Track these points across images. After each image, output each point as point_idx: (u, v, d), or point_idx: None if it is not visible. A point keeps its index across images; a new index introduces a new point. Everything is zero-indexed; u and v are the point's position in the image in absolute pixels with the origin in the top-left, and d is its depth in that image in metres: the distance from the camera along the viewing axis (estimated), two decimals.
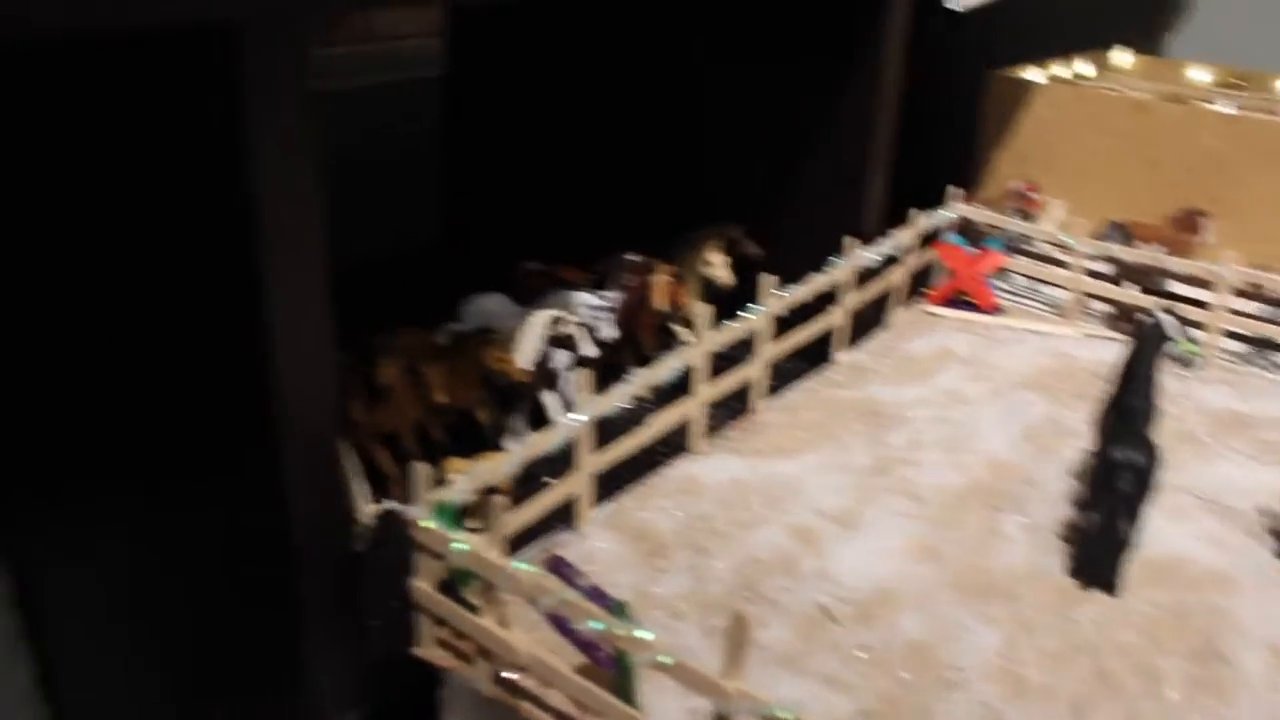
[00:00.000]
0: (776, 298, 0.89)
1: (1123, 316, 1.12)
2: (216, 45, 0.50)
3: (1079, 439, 0.88)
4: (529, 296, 0.95)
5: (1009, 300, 1.17)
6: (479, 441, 0.85)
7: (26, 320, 0.74)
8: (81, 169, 0.63)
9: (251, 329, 0.56)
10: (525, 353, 0.82)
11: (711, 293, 1.00)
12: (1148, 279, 1.11)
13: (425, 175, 1.34)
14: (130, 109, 0.58)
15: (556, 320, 0.82)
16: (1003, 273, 1.17)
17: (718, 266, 0.99)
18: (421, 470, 0.63)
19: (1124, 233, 1.17)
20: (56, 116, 0.63)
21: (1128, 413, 0.75)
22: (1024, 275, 1.17)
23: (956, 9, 1.00)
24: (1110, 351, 0.99)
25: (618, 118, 1.19)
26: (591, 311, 0.86)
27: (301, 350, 0.58)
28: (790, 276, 0.92)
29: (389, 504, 0.77)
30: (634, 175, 1.18)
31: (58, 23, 0.43)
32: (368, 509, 0.77)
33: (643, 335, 0.98)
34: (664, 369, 0.80)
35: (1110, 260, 1.12)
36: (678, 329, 1.02)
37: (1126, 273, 1.12)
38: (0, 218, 0.70)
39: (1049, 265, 1.15)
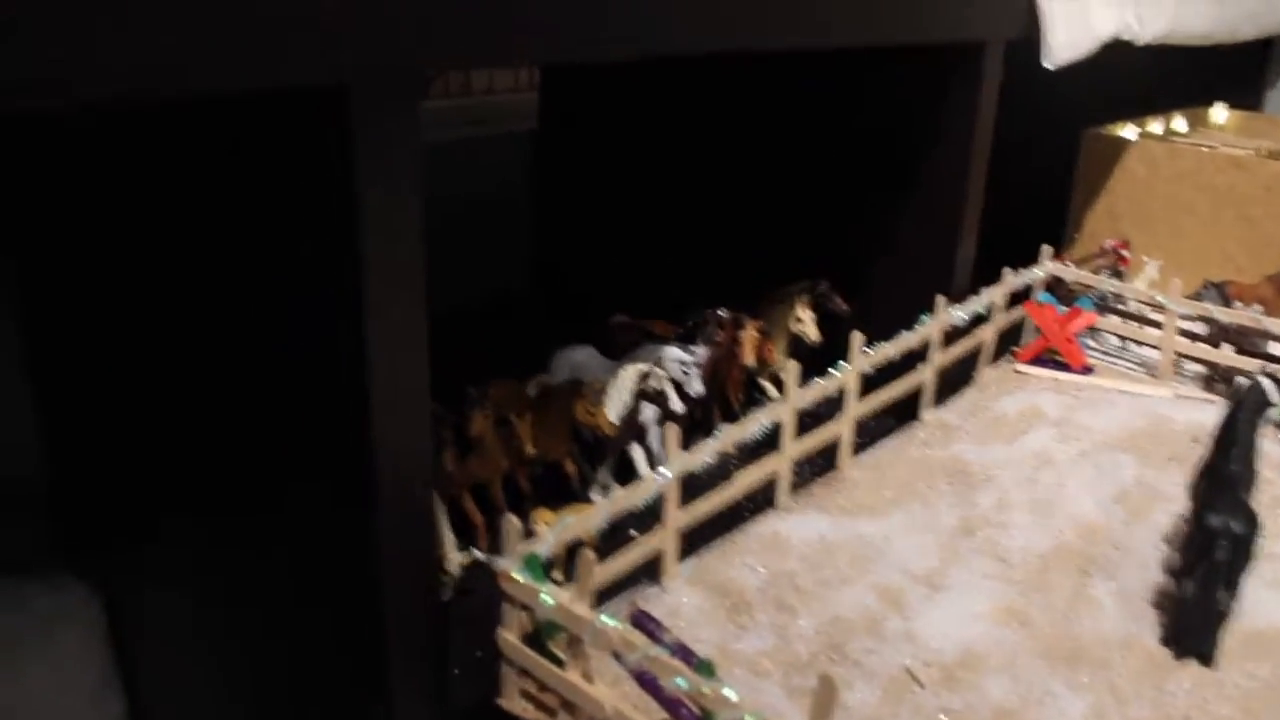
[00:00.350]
0: (865, 355, 0.89)
1: (1219, 378, 1.10)
2: (327, 105, 0.52)
3: (1173, 504, 0.86)
4: (618, 349, 0.96)
5: (1100, 360, 1.16)
6: (566, 493, 0.86)
7: (134, 358, 0.77)
8: (196, 219, 0.66)
9: (351, 377, 0.58)
10: (614, 406, 0.83)
11: (799, 348, 1.01)
12: (1245, 340, 1.09)
13: (517, 227, 1.37)
14: (245, 163, 0.60)
15: (646, 375, 0.83)
16: (1094, 332, 1.16)
17: (806, 323, 0.99)
18: (512, 522, 0.64)
19: (1220, 292, 1.15)
20: (174, 170, 0.66)
21: (1225, 478, 0.74)
22: (1116, 335, 1.16)
23: (1050, 66, 1.00)
24: (1205, 414, 0.97)
25: (709, 172, 1.20)
26: (680, 366, 0.86)
27: (399, 399, 0.59)
28: (879, 333, 0.93)
29: (477, 554, 0.78)
30: (724, 229, 1.19)
31: (177, 85, 0.45)
32: (456, 558, 0.78)
33: (730, 390, 0.99)
34: (752, 425, 0.81)
35: (1206, 320, 1.10)
36: (765, 384, 1.02)
37: (1223, 333, 1.10)
38: (116, 262, 0.73)
39: (1142, 325, 1.14)
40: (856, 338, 0.89)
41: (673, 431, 0.74)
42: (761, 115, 1.14)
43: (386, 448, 0.60)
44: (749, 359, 0.96)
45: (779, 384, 1.05)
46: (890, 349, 0.93)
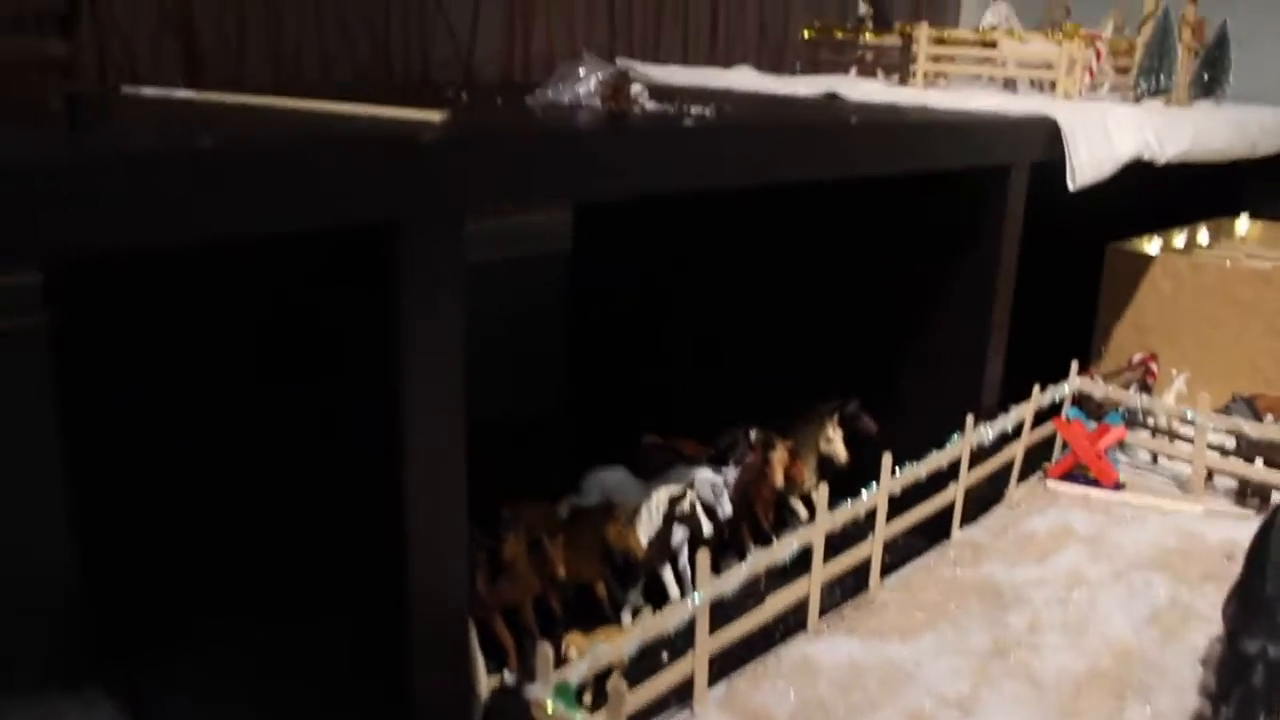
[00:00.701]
0: (893, 476, 0.90)
1: (1251, 493, 1.09)
2: (377, 239, 0.54)
3: (1208, 624, 0.86)
4: (649, 470, 0.97)
5: (1131, 476, 1.16)
6: (597, 614, 0.86)
7: (172, 467, 0.78)
8: (241, 341, 0.68)
9: (389, 498, 0.59)
10: (645, 529, 0.84)
11: (827, 466, 1.01)
12: (1277, 454, 1.09)
13: (551, 346, 1.39)
14: (293, 290, 0.62)
15: (677, 498, 0.84)
16: (1124, 447, 1.16)
17: (835, 443, 1.00)
18: (544, 651, 0.64)
19: (1250, 405, 1.15)
20: (221, 295, 0.68)
21: (1260, 600, 0.73)
22: (1146, 450, 1.16)
23: (1074, 188, 1.02)
24: (1239, 530, 0.97)
25: (739, 291, 1.22)
26: (712, 489, 0.87)
27: (437, 523, 0.60)
28: (907, 451, 0.93)
29: (508, 678, 0.78)
30: (754, 347, 1.21)
31: (236, 226, 0.48)
32: (487, 682, 0.78)
33: (760, 510, 0.99)
34: (782, 549, 0.81)
35: (1236, 435, 1.10)
36: (795, 503, 1.03)
37: (1254, 448, 1.10)
38: (161, 373, 0.75)
39: (1172, 439, 1.14)
40: (886, 459, 0.89)
41: (704, 557, 0.75)
42: (790, 235, 1.16)
43: (423, 569, 0.61)
44: (779, 479, 0.97)
45: (808, 503, 1.06)
46: (920, 469, 0.93)
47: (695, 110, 0.78)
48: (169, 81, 1.02)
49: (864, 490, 0.89)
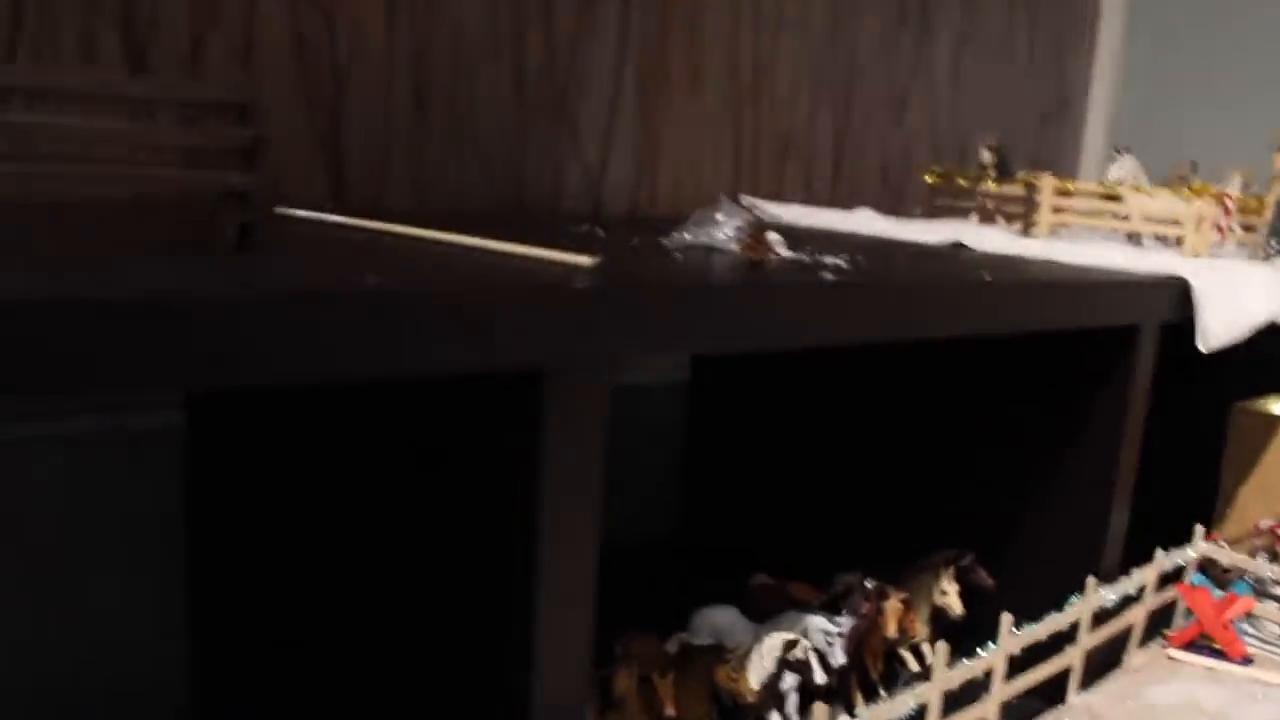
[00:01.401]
0: (1014, 636, 0.88)
1: None
2: (522, 386, 0.55)
3: None
4: (760, 612, 0.96)
5: (1260, 649, 1.11)
6: None
7: (295, 585, 0.80)
8: (379, 464, 0.69)
9: (518, 632, 0.59)
10: (757, 673, 0.83)
11: (936, 617, 1.00)
12: None
13: (664, 474, 1.39)
14: (432, 422, 0.64)
15: (791, 644, 0.83)
16: (1251, 618, 1.12)
17: (950, 596, 0.98)
18: None
19: None
20: (361, 420, 0.70)
21: None
22: (1276, 623, 1.11)
23: (1204, 349, 1.00)
24: None
25: (854, 435, 1.22)
26: (825, 637, 0.86)
27: (563, 661, 0.60)
28: (1022, 609, 0.91)
29: None
30: (870, 492, 1.20)
31: (390, 367, 0.49)
32: None
33: (869, 660, 0.97)
34: (898, 706, 0.79)
35: None
36: (905, 655, 1.00)
37: None
38: (292, 496, 0.77)
39: None
40: (1006, 619, 0.87)
41: (820, 711, 0.74)
42: (912, 382, 1.16)
43: (546, 705, 0.60)
44: (891, 630, 0.95)
45: (918, 654, 1.04)
46: (1039, 630, 0.91)
47: (830, 260, 0.79)
48: (315, 203, 1.06)
49: (980, 649, 0.87)
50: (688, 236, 0.80)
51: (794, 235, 0.93)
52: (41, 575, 0.96)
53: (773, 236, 0.74)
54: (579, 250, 0.63)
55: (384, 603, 0.71)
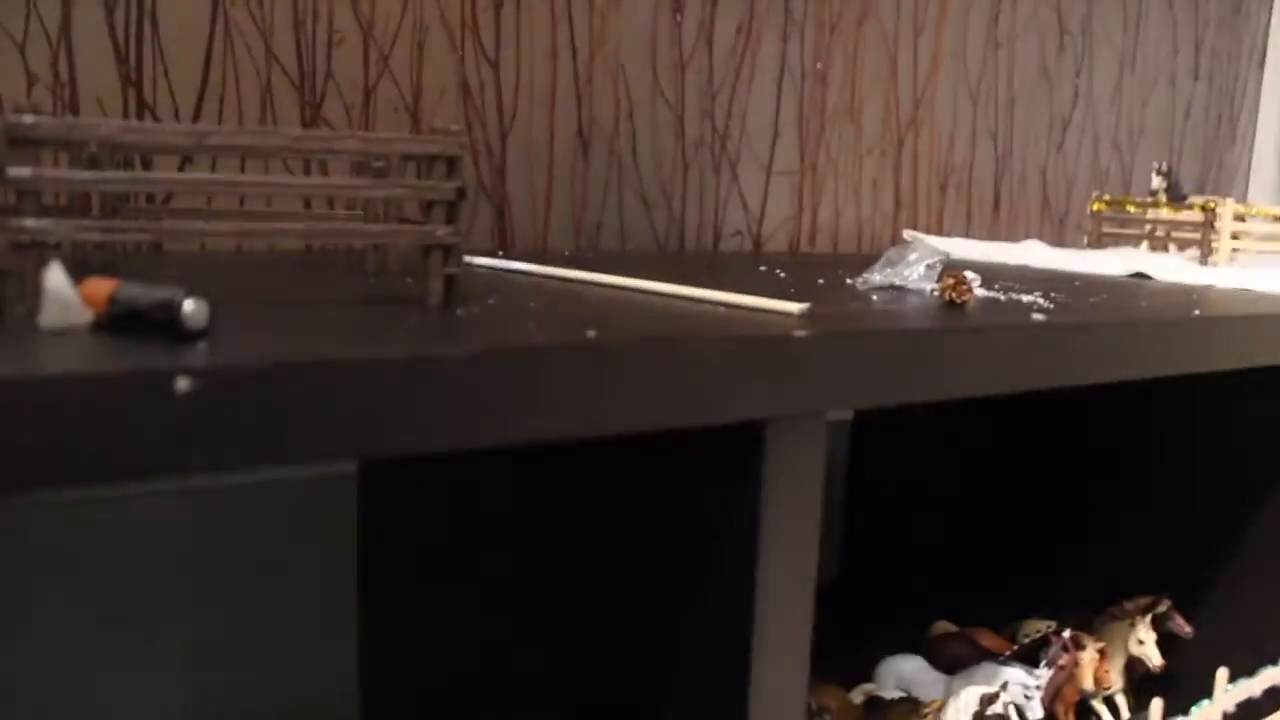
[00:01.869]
0: (1229, 692, 0.83)
1: None
2: (744, 438, 0.54)
3: None
4: (944, 661, 0.93)
5: None
6: None
7: (473, 636, 0.79)
8: (584, 515, 0.68)
9: (733, 692, 0.57)
10: None
11: (1131, 670, 0.95)
12: None
13: (828, 514, 1.36)
14: (644, 476, 0.62)
15: (991, 699, 0.80)
16: None
17: (1148, 645, 0.94)
18: None
19: None
20: (560, 473, 0.69)
21: None
22: None
23: None
24: None
25: (1031, 474, 1.17)
26: (1024, 691, 0.82)
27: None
28: (1223, 660, 0.86)
29: None
30: (1047, 534, 1.16)
31: (613, 423, 0.48)
32: None
33: (1061, 712, 0.93)
34: None
35: None
36: (1099, 707, 0.96)
37: None
38: (513, 545, 0.77)
39: None
40: (1222, 674, 0.83)
41: None
42: (1099, 420, 1.11)
43: None
44: (1087, 682, 0.91)
45: (1112, 706, 0.99)
46: (1253, 685, 0.86)
47: (1028, 298, 0.76)
48: (482, 247, 1.07)
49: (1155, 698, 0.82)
50: (877, 277, 0.78)
51: (976, 272, 0.90)
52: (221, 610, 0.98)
53: (970, 276, 0.71)
54: (775, 296, 0.61)
55: (592, 649, 0.70)
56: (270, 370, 0.39)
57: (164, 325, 0.41)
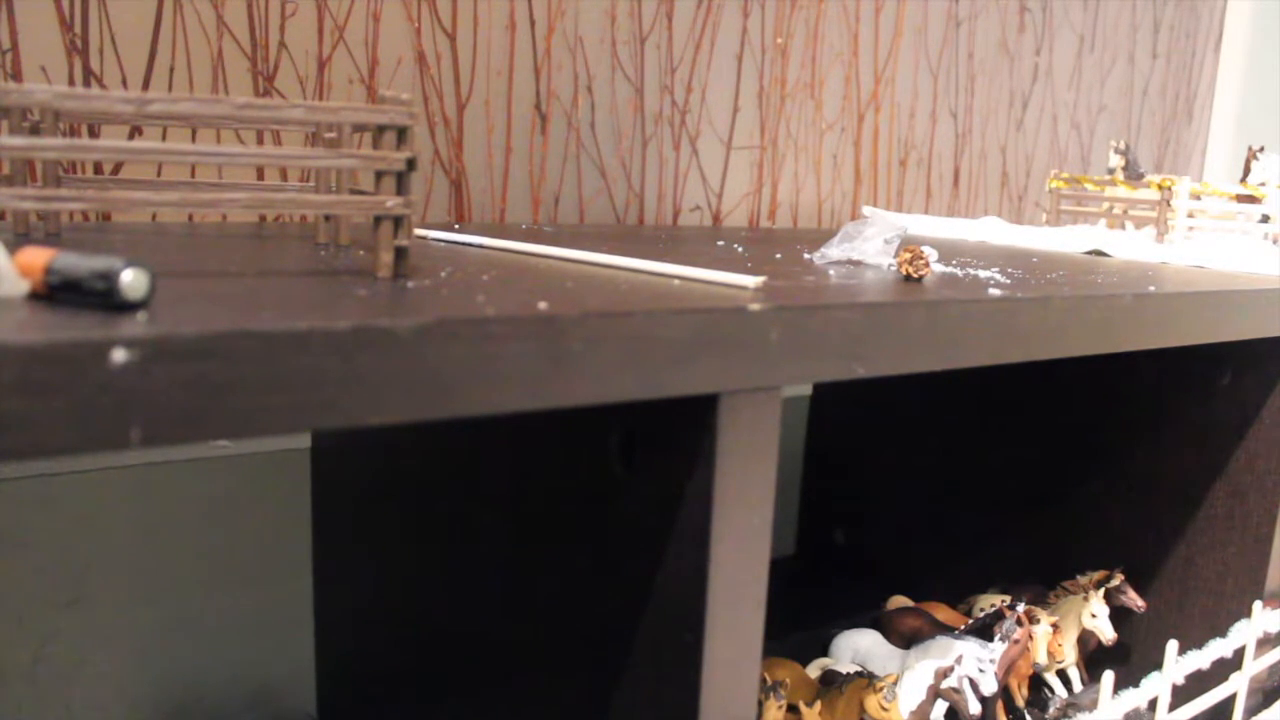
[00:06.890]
0: (1178, 664, 0.84)
1: None
2: (698, 411, 0.53)
3: None
4: (900, 635, 0.93)
5: None
6: None
7: (424, 611, 0.79)
8: (531, 490, 0.68)
9: (686, 666, 0.57)
10: (908, 702, 0.80)
11: (1084, 643, 0.96)
12: None
13: (783, 490, 1.37)
14: (612, 456, 0.62)
15: (945, 673, 0.80)
16: None
17: (1101, 619, 0.94)
18: None
19: None
20: (509, 447, 0.69)
21: None
22: None
23: None
24: None
25: (983, 449, 1.18)
26: (978, 665, 0.83)
27: (733, 693, 0.58)
28: (1174, 633, 0.87)
29: None
30: (998, 508, 1.16)
31: (566, 396, 0.48)
32: None
33: (1014, 686, 0.94)
34: None
35: None
36: (1049, 679, 0.97)
37: None
38: (418, 519, 0.76)
39: None
40: (1171, 646, 0.83)
41: None
42: (1048, 393, 1.12)
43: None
44: (1040, 656, 0.91)
45: (1065, 679, 1.00)
46: (1202, 658, 0.87)
47: (984, 274, 0.76)
48: (438, 220, 1.06)
49: (1105, 670, 0.83)
50: (835, 252, 0.77)
51: (935, 248, 0.90)
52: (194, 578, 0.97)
53: (928, 250, 0.71)
54: (731, 270, 0.61)
55: (544, 621, 0.70)
56: (210, 341, 0.38)
57: (103, 295, 0.40)
